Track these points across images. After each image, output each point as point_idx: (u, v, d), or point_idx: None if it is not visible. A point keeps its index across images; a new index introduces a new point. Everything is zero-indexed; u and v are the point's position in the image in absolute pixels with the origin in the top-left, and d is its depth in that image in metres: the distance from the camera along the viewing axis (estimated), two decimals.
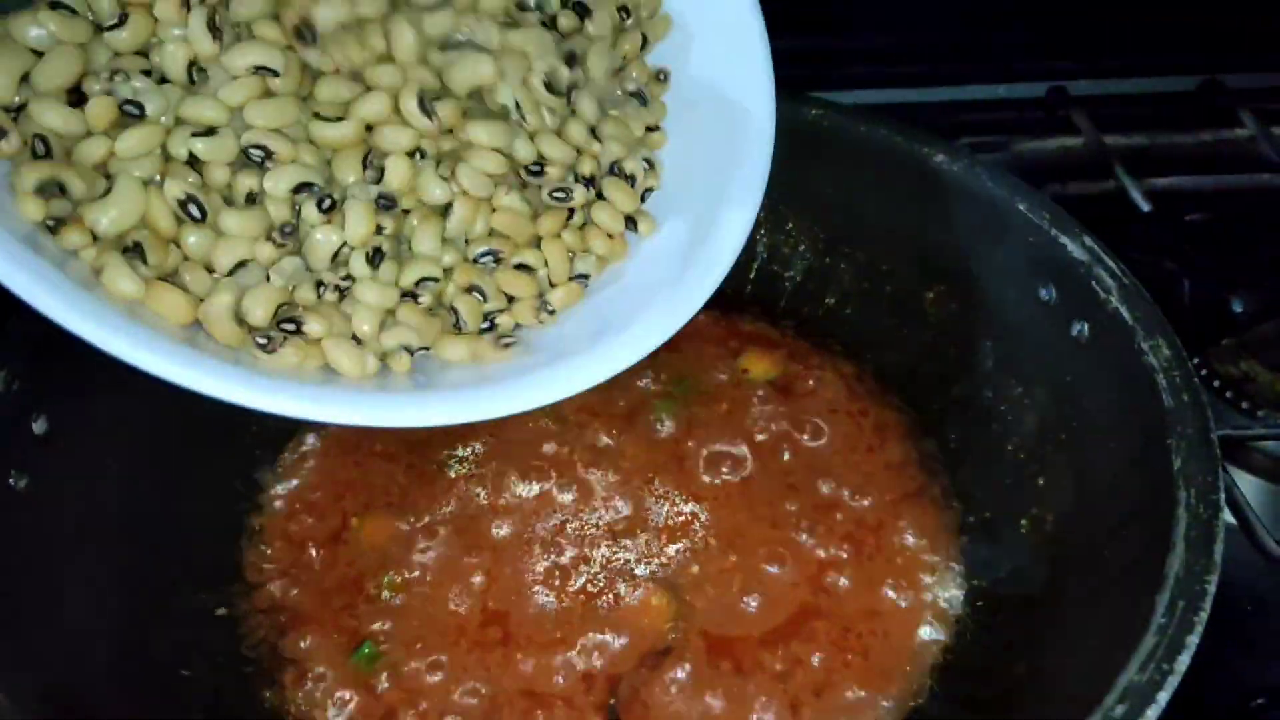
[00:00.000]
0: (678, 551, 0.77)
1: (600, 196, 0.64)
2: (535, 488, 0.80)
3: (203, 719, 0.68)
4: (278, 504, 0.81)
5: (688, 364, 0.89)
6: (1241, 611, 0.77)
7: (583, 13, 0.64)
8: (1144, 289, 0.72)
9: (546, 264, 0.62)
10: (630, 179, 0.64)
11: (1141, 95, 1.21)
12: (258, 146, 0.55)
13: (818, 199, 0.96)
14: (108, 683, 0.64)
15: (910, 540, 0.78)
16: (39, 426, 0.69)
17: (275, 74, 0.55)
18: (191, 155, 0.55)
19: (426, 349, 0.59)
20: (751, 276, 0.98)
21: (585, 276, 0.64)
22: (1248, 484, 0.81)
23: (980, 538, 0.79)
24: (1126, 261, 0.74)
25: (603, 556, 0.77)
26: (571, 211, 0.63)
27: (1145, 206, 0.99)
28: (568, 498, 0.80)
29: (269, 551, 0.78)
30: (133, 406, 0.72)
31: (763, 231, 0.98)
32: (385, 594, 0.74)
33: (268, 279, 0.56)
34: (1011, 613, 0.72)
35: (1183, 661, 0.54)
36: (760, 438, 0.84)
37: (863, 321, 0.94)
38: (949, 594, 0.76)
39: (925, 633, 0.73)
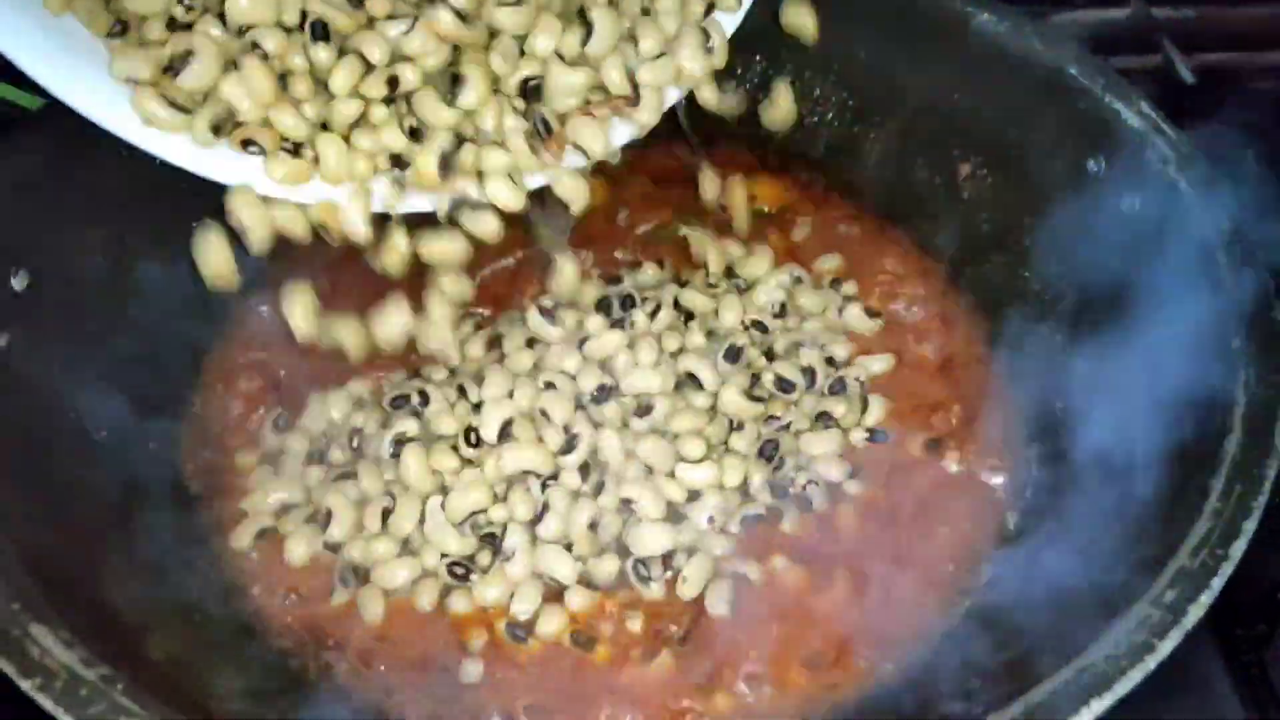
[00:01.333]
0: None
1: None
2: None
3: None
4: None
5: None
6: (1271, 502, 0.75)
7: None
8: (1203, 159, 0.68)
9: None
10: None
11: None
12: None
13: (847, 64, 0.89)
14: (94, 547, 0.61)
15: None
16: (18, 283, 0.66)
17: None
18: None
19: None
20: (770, 149, 0.93)
21: None
22: None
23: None
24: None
25: None
26: None
27: (1190, 79, 0.94)
28: None
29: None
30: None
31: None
32: None
33: None
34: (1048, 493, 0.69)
35: (1238, 547, 0.51)
36: None
37: (891, 198, 0.89)
38: None
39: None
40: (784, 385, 0.72)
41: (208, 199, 0.62)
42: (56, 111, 0.59)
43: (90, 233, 0.72)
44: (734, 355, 0.72)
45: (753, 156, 0.91)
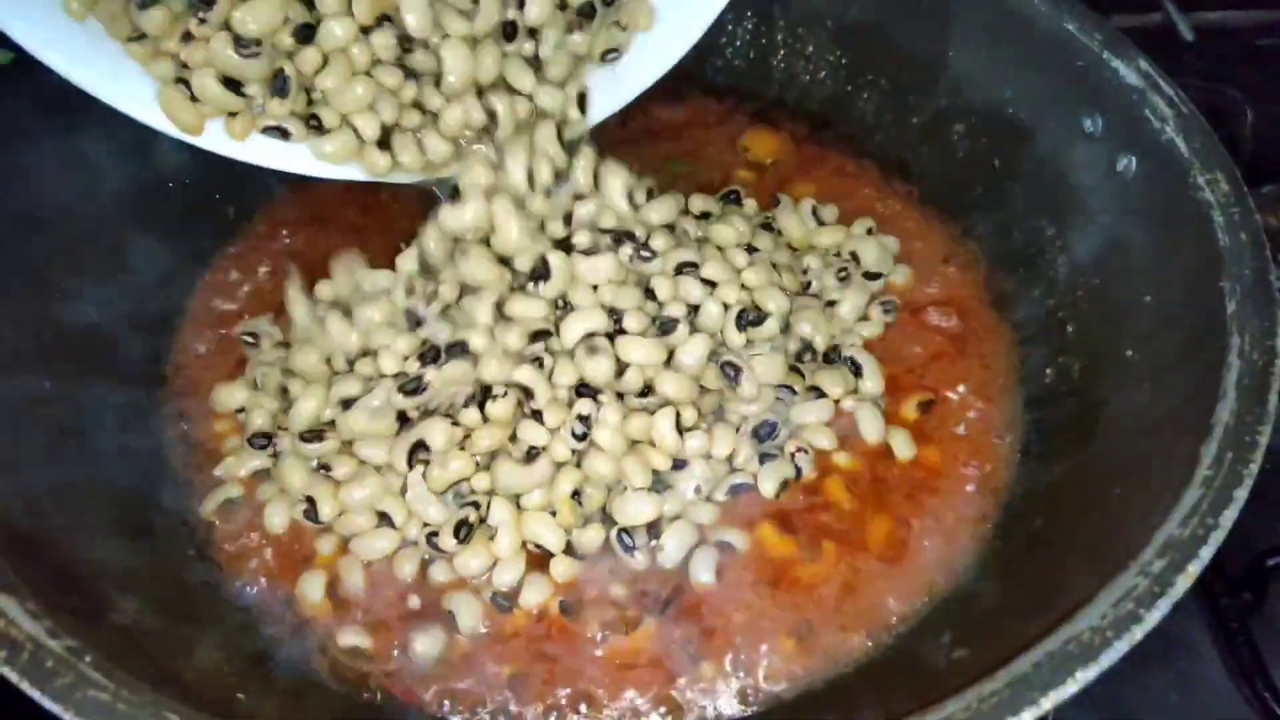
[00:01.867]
0: None
1: None
2: None
3: None
4: None
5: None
6: (1260, 470, 0.74)
7: None
8: (1202, 119, 0.66)
9: None
10: None
11: None
12: None
13: (840, 20, 0.88)
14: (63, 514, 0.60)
15: None
16: None
17: None
18: None
19: None
20: (764, 108, 0.91)
21: None
22: None
23: None
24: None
25: None
26: None
27: (1190, 36, 0.91)
28: None
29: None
30: None
31: (780, 55, 0.90)
32: None
33: None
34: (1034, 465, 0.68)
35: (1229, 516, 0.50)
36: None
37: (883, 155, 0.87)
38: None
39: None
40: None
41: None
42: (30, 67, 0.58)
43: (64, 185, 0.71)
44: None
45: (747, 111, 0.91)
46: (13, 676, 0.46)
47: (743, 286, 0.70)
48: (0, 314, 0.65)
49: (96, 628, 0.51)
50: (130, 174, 0.74)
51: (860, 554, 0.65)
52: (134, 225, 0.75)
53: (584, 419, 0.64)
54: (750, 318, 0.69)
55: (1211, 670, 0.71)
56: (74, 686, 0.45)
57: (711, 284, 0.69)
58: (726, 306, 0.69)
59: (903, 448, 0.69)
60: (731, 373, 0.67)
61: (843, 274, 0.76)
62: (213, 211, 0.81)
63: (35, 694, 0.45)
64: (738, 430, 0.68)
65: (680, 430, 0.65)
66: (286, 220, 0.83)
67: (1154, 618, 0.47)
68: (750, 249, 0.74)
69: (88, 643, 0.47)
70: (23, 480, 0.59)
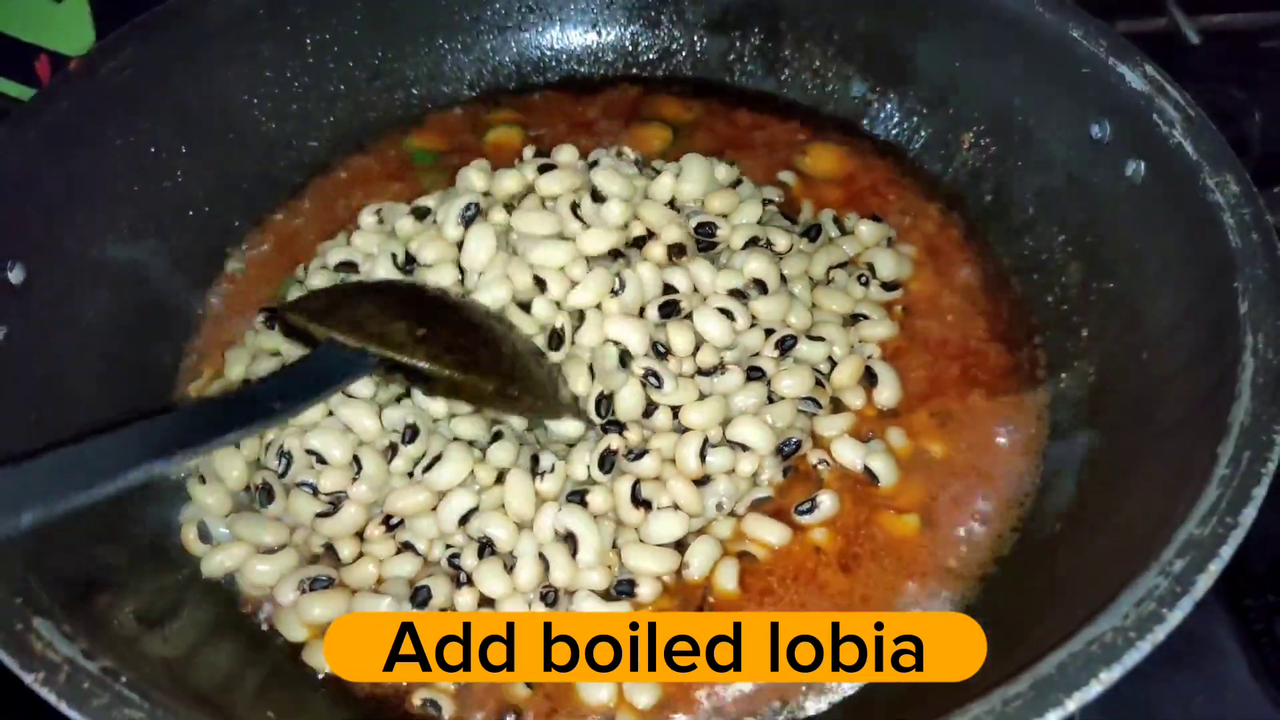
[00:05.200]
0: None
1: None
2: None
3: None
4: None
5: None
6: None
7: None
8: (1210, 122, 0.66)
9: None
10: None
11: None
12: None
13: (846, 29, 0.89)
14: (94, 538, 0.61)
15: None
16: (15, 276, 0.66)
17: None
18: None
19: None
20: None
21: None
22: None
23: None
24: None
25: None
26: None
27: (1195, 40, 0.92)
28: None
29: None
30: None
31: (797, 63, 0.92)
32: None
33: None
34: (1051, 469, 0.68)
35: (1248, 515, 0.50)
36: None
37: (900, 162, 0.87)
38: None
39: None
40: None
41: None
42: (47, 103, 0.59)
43: (81, 222, 0.72)
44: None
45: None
46: (50, 697, 0.47)
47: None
48: None
49: (131, 652, 0.52)
50: None
51: (879, 558, 0.66)
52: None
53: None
54: (787, 343, 0.70)
55: (1237, 672, 0.70)
56: (110, 707, 0.46)
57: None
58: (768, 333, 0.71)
59: (886, 473, 0.69)
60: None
61: (863, 279, 0.77)
62: None
63: (74, 714, 0.46)
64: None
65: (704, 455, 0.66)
66: None
67: (1176, 617, 0.47)
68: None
69: (124, 664, 0.48)
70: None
